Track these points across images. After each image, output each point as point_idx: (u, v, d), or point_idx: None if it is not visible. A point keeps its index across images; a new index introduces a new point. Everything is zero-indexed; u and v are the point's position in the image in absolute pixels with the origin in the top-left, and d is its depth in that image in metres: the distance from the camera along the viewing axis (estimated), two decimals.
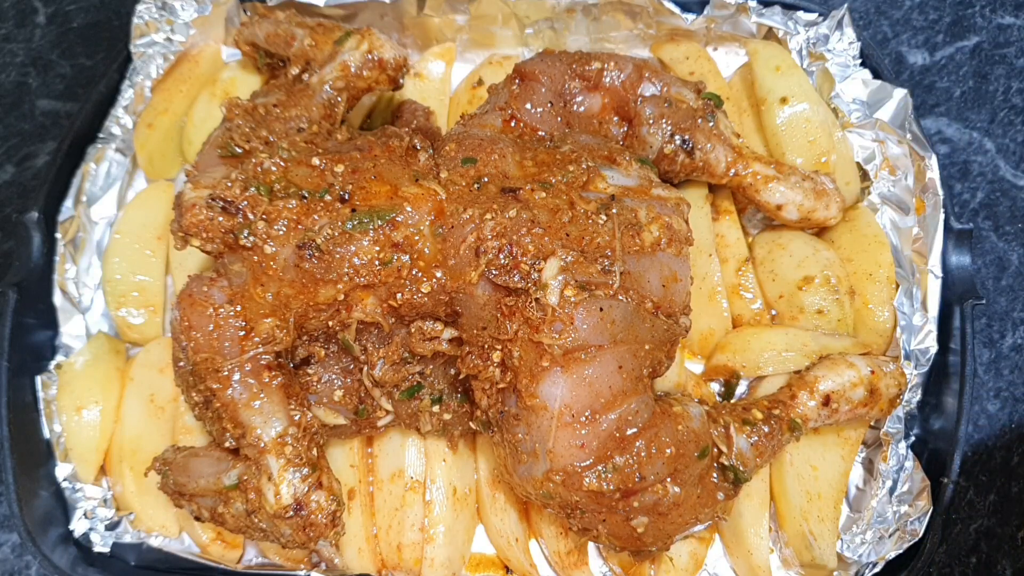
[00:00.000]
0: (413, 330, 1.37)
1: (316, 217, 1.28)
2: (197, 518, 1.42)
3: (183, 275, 1.60)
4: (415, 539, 1.52)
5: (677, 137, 1.53)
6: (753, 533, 1.51)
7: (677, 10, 1.77)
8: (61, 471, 1.61)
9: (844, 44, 1.73)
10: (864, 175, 1.69)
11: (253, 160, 1.34)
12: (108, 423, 1.61)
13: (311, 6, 1.78)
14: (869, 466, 1.58)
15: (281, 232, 1.28)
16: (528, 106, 1.51)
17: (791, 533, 1.51)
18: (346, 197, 1.30)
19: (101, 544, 1.60)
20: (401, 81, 1.61)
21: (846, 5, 1.72)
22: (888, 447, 1.55)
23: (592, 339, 1.25)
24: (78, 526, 1.61)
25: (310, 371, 1.41)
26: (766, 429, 1.42)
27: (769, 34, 1.78)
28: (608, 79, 1.53)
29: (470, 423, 1.45)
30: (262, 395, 1.31)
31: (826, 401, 1.48)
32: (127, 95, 1.80)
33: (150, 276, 1.71)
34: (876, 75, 1.71)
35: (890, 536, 1.50)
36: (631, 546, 1.34)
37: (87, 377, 1.62)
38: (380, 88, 1.59)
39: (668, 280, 1.34)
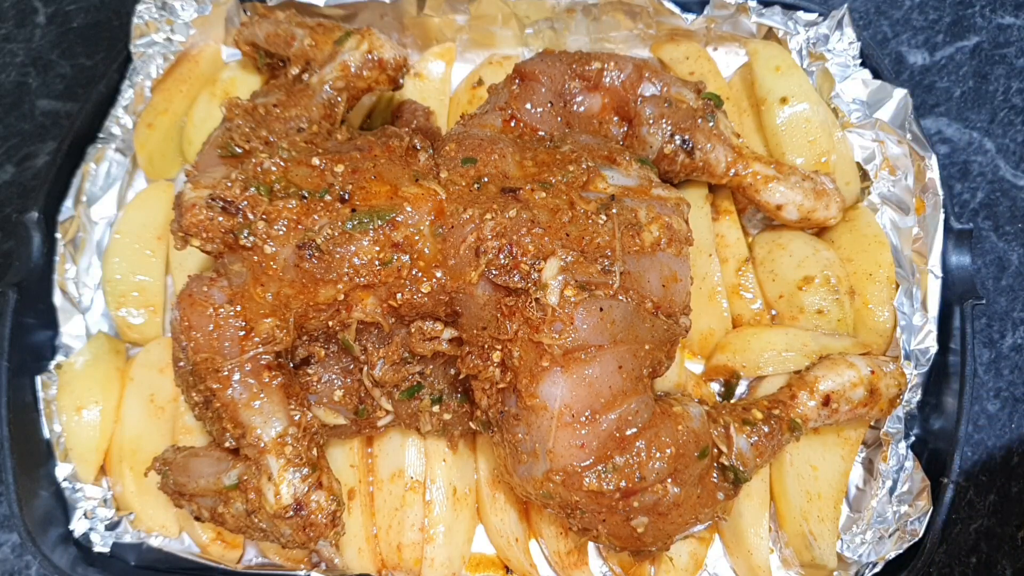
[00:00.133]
0: (413, 330, 1.37)
1: (316, 217, 1.28)
2: (197, 518, 1.42)
3: (183, 275, 1.60)
4: (415, 539, 1.52)
5: (677, 137, 1.53)
6: (753, 533, 1.51)
7: (677, 10, 1.77)
8: (61, 471, 1.61)
9: (844, 44, 1.73)
10: (864, 175, 1.69)
11: (253, 160, 1.34)
12: (108, 423, 1.61)
13: (311, 6, 1.78)
14: (869, 466, 1.58)
15: (281, 232, 1.28)
16: (528, 106, 1.51)
17: (791, 533, 1.51)
18: (346, 197, 1.30)
19: (101, 544, 1.60)
20: (401, 81, 1.61)
21: (846, 5, 1.72)
22: (888, 447, 1.55)
23: (592, 339, 1.25)
24: (78, 526, 1.61)
25: (310, 371, 1.41)
26: (766, 429, 1.42)
27: (769, 34, 1.78)
28: (608, 79, 1.53)
29: (470, 423, 1.45)
30: (262, 395, 1.31)
31: (826, 401, 1.48)
32: (127, 95, 1.80)
33: (150, 276, 1.71)
34: (876, 75, 1.71)
35: (890, 536, 1.50)
36: (631, 546, 1.34)
37: (87, 377, 1.62)
38: (380, 88, 1.59)
39: (668, 280, 1.34)
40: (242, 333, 1.30)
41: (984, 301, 1.56)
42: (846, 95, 1.70)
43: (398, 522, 1.53)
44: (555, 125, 1.52)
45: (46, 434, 1.62)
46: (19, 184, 1.99)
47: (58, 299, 1.71)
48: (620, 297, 1.27)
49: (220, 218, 1.29)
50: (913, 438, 1.58)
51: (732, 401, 1.62)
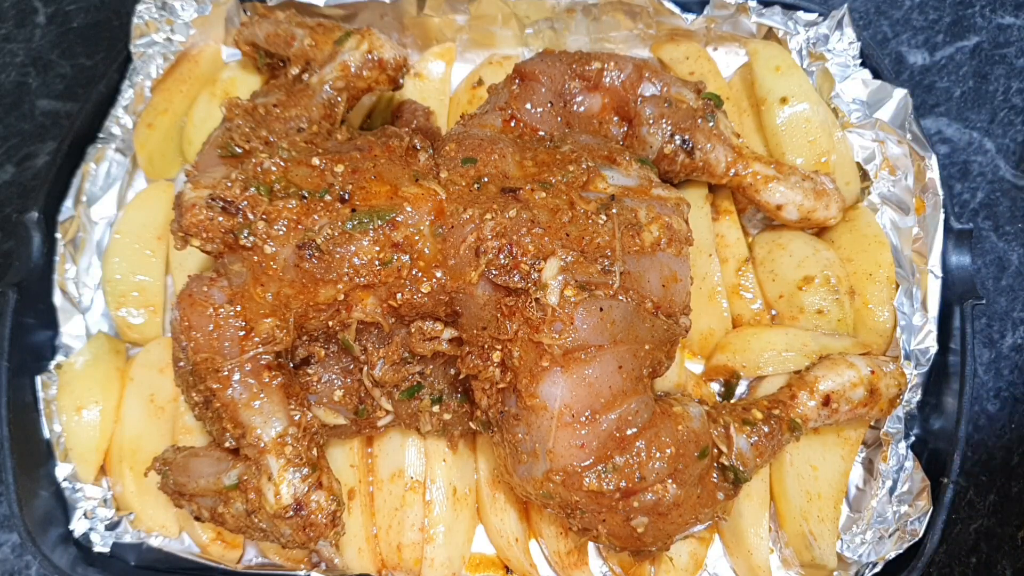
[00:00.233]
0: (413, 330, 1.37)
1: (316, 217, 1.28)
2: (197, 518, 1.42)
3: (183, 275, 1.60)
4: (415, 539, 1.52)
5: (677, 137, 1.53)
6: (753, 533, 1.51)
7: (677, 10, 1.77)
8: (61, 471, 1.61)
9: (844, 44, 1.73)
10: (864, 175, 1.69)
11: (253, 160, 1.34)
12: (108, 423, 1.61)
13: (311, 6, 1.78)
14: (869, 466, 1.58)
15: (281, 232, 1.28)
16: (528, 106, 1.51)
17: (791, 533, 1.51)
18: (346, 197, 1.30)
19: (101, 544, 1.60)
20: (401, 81, 1.61)
21: (846, 5, 1.72)
22: (888, 447, 1.55)
23: (592, 339, 1.25)
24: (78, 526, 1.61)
25: (310, 371, 1.41)
26: (766, 429, 1.42)
27: (769, 34, 1.78)
28: (608, 79, 1.53)
29: (470, 423, 1.45)
30: (262, 395, 1.31)
31: (826, 401, 1.48)
32: (127, 95, 1.80)
33: (150, 276, 1.71)
34: (876, 75, 1.71)
35: (890, 536, 1.50)
36: (631, 546, 1.34)
37: (87, 377, 1.62)
38: (380, 88, 1.58)
39: (668, 280, 1.34)
40: (242, 333, 1.30)
41: (984, 301, 1.56)
42: (846, 95, 1.70)
43: (398, 522, 1.53)
44: (555, 125, 1.52)
45: (46, 434, 1.62)
46: (19, 184, 1.99)
47: (58, 299, 1.71)
48: (620, 297, 1.27)
49: (220, 218, 1.29)
50: (913, 438, 1.58)
51: (732, 401, 1.62)
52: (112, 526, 1.62)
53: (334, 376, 1.42)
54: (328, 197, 1.30)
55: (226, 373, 1.30)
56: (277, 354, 1.33)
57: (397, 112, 1.76)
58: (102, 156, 1.77)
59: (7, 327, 1.57)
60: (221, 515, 1.36)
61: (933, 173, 1.60)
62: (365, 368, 1.40)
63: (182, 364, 1.35)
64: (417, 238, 1.30)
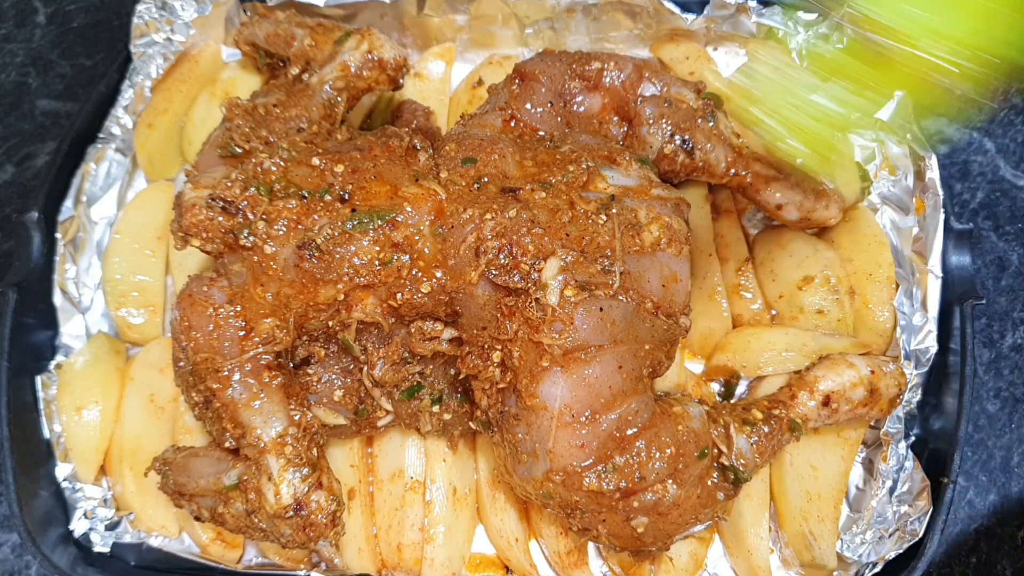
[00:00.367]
0: (413, 330, 1.37)
1: (316, 217, 1.28)
2: (197, 518, 1.42)
3: (183, 275, 1.60)
4: (415, 539, 1.52)
5: (677, 137, 1.53)
6: (753, 533, 1.51)
7: (677, 10, 1.77)
8: (61, 471, 1.61)
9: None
10: (864, 175, 1.69)
11: (253, 160, 1.34)
12: (108, 423, 1.61)
13: (311, 6, 1.78)
14: (869, 466, 1.58)
15: (281, 232, 1.28)
16: (528, 106, 1.51)
17: (791, 533, 1.52)
18: (346, 197, 1.30)
19: (101, 544, 1.60)
20: (401, 81, 1.61)
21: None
22: (888, 447, 1.55)
23: (592, 339, 1.25)
24: (78, 526, 1.61)
25: (310, 371, 1.41)
26: (766, 429, 1.42)
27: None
28: (608, 79, 1.53)
29: (470, 423, 1.45)
30: (262, 395, 1.31)
31: (826, 401, 1.48)
32: (127, 95, 1.80)
33: (150, 276, 1.71)
34: None
35: (890, 536, 1.50)
36: (631, 546, 1.34)
37: (87, 377, 1.62)
38: (380, 88, 1.58)
39: (668, 280, 1.34)
40: (242, 333, 1.30)
41: (984, 301, 1.56)
42: None
43: (398, 522, 1.53)
44: (555, 125, 1.52)
45: (46, 434, 1.62)
46: (19, 184, 1.99)
47: (58, 299, 1.71)
48: (620, 297, 1.27)
49: (220, 218, 1.29)
50: (913, 438, 1.58)
51: (732, 401, 1.62)
52: (112, 526, 1.62)
53: (334, 376, 1.42)
54: (328, 197, 1.30)
55: (226, 373, 1.30)
56: (277, 354, 1.33)
57: (397, 112, 1.76)
58: (102, 156, 1.77)
59: (7, 327, 1.57)
60: (221, 515, 1.36)
61: (933, 173, 1.60)
62: (365, 368, 1.40)
63: (182, 364, 1.35)
64: (417, 238, 1.30)
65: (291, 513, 1.29)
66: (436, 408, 1.44)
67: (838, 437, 1.57)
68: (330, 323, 1.34)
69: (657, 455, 1.27)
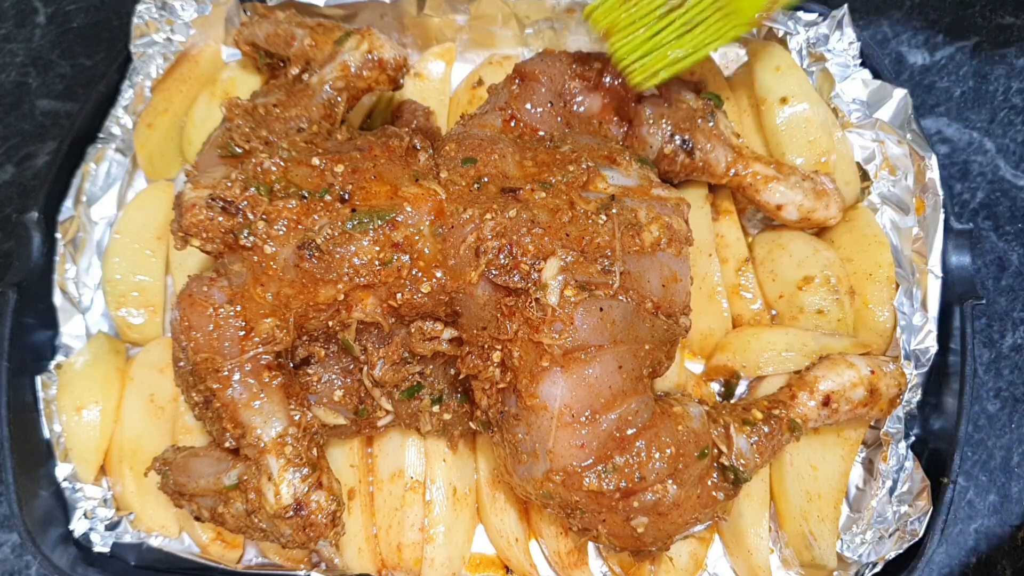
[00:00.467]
0: (413, 330, 1.37)
1: (316, 217, 1.28)
2: (197, 518, 1.42)
3: (183, 275, 1.60)
4: (415, 539, 1.52)
5: (677, 137, 1.53)
6: (753, 533, 1.51)
7: None
8: (61, 471, 1.61)
9: (844, 44, 1.73)
10: (864, 175, 1.69)
11: (253, 160, 1.34)
12: (108, 423, 1.61)
13: (311, 6, 1.78)
14: (869, 466, 1.58)
15: (281, 232, 1.28)
16: (528, 106, 1.51)
17: (791, 533, 1.52)
18: (346, 197, 1.30)
19: (101, 544, 1.60)
20: (401, 81, 1.61)
21: (846, 5, 1.72)
22: (888, 447, 1.55)
23: (592, 339, 1.25)
24: (78, 526, 1.61)
25: (310, 371, 1.41)
26: (766, 429, 1.42)
27: (769, 34, 1.78)
28: (608, 79, 1.53)
29: (470, 423, 1.45)
30: (262, 395, 1.31)
31: (826, 401, 1.48)
32: (127, 95, 1.80)
33: (150, 276, 1.71)
34: (876, 75, 1.71)
35: (890, 536, 1.50)
36: (631, 546, 1.34)
37: (87, 377, 1.62)
38: (380, 88, 1.58)
39: (668, 280, 1.34)
40: (242, 333, 1.30)
41: (984, 301, 1.56)
42: (846, 95, 1.70)
43: (398, 522, 1.53)
44: (555, 125, 1.52)
45: (46, 434, 1.62)
46: (19, 184, 1.99)
47: (58, 299, 1.71)
48: (620, 297, 1.27)
49: (220, 218, 1.29)
50: (913, 438, 1.58)
51: (732, 401, 1.62)
52: (112, 526, 1.62)
53: (334, 376, 1.42)
54: (328, 197, 1.30)
55: (226, 373, 1.30)
56: (277, 354, 1.33)
57: (397, 112, 1.76)
58: (102, 156, 1.77)
59: (7, 327, 1.57)
60: (221, 515, 1.36)
61: (933, 173, 1.60)
62: (365, 368, 1.40)
63: (182, 364, 1.35)
64: (417, 238, 1.30)
65: (291, 513, 1.29)
66: (436, 408, 1.44)
67: (838, 437, 1.57)
68: (330, 323, 1.34)
69: (657, 455, 1.27)
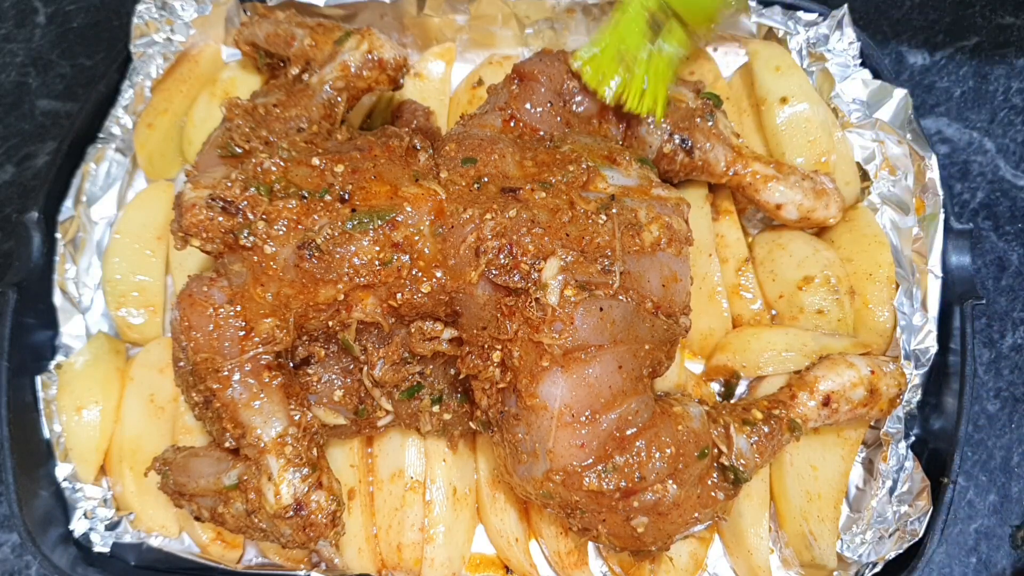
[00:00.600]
0: (413, 330, 1.37)
1: (316, 217, 1.28)
2: (197, 518, 1.42)
3: (183, 275, 1.60)
4: (415, 539, 1.52)
5: (676, 136, 1.53)
6: (753, 533, 1.51)
7: None
8: (61, 471, 1.61)
9: (844, 44, 1.73)
10: (864, 175, 1.69)
11: (253, 160, 1.34)
12: (108, 423, 1.61)
13: (311, 6, 1.78)
14: (869, 466, 1.58)
15: (281, 232, 1.28)
16: (528, 106, 1.50)
17: (791, 533, 1.51)
18: (346, 197, 1.30)
19: (101, 544, 1.60)
20: (401, 81, 1.61)
21: (846, 5, 1.72)
22: (888, 447, 1.55)
23: (592, 339, 1.25)
24: (78, 526, 1.61)
25: (310, 371, 1.41)
26: (766, 429, 1.42)
27: (769, 34, 1.78)
28: None
29: (470, 423, 1.45)
30: (262, 395, 1.31)
31: (826, 401, 1.48)
32: (127, 95, 1.80)
33: (150, 276, 1.71)
34: (876, 75, 1.71)
35: (890, 536, 1.50)
36: (631, 546, 1.34)
37: (87, 377, 1.62)
38: (380, 88, 1.58)
39: (668, 280, 1.34)
40: (242, 333, 1.30)
41: (984, 301, 1.56)
42: (846, 95, 1.70)
43: (398, 522, 1.53)
44: (555, 125, 1.52)
45: (46, 434, 1.62)
46: (19, 184, 1.99)
47: (58, 299, 1.71)
48: (620, 297, 1.27)
49: (220, 218, 1.29)
50: (913, 438, 1.58)
51: (732, 401, 1.62)
52: (112, 526, 1.62)
53: (334, 376, 1.42)
54: (328, 197, 1.30)
55: (226, 373, 1.30)
56: (277, 354, 1.33)
57: (397, 112, 1.76)
58: (102, 156, 1.77)
59: (7, 327, 1.57)
60: (221, 515, 1.36)
61: (933, 173, 1.60)
62: (365, 368, 1.40)
63: (182, 364, 1.35)
64: (417, 238, 1.30)
65: (291, 513, 1.29)
66: (436, 408, 1.44)
67: (838, 437, 1.57)
68: (330, 323, 1.34)
69: (657, 455, 1.27)
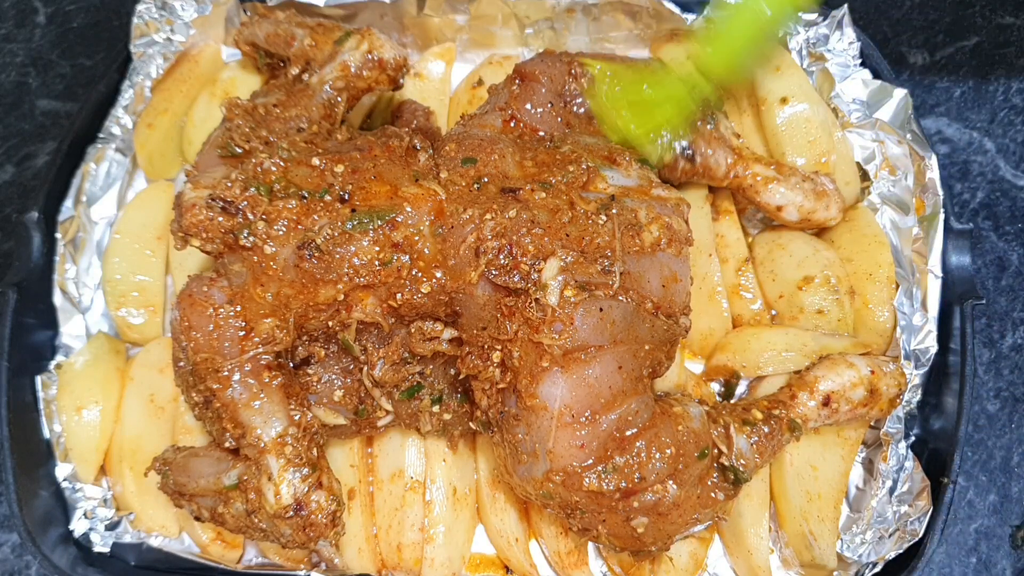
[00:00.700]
0: (413, 330, 1.37)
1: (316, 217, 1.28)
2: (197, 518, 1.42)
3: (183, 275, 1.60)
4: (415, 539, 1.52)
5: (677, 145, 1.53)
6: (753, 533, 1.51)
7: (677, 10, 1.76)
8: (61, 471, 1.61)
9: (844, 44, 1.73)
10: (864, 175, 1.69)
11: (253, 160, 1.34)
12: (108, 423, 1.61)
13: (311, 6, 1.78)
14: (869, 466, 1.58)
15: (281, 232, 1.28)
16: (528, 106, 1.50)
17: (791, 533, 1.51)
18: (346, 197, 1.30)
19: (101, 544, 1.60)
20: (401, 81, 1.61)
21: (846, 5, 1.72)
22: (888, 447, 1.55)
23: (592, 339, 1.25)
24: (78, 526, 1.61)
25: (310, 371, 1.41)
26: (766, 429, 1.42)
27: None
28: None
29: (470, 423, 1.45)
30: (262, 395, 1.31)
31: (826, 401, 1.48)
32: (127, 95, 1.80)
33: (150, 276, 1.71)
34: (876, 75, 1.71)
35: (890, 536, 1.50)
36: (631, 546, 1.34)
37: (87, 377, 1.62)
38: (380, 88, 1.58)
39: (668, 280, 1.34)
40: (242, 333, 1.30)
41: (984, 301, 1.56)
42: (846, 95, 1.70)
43: (398, 522, 1.53)
44: (555, 125, 1.52)
45: (46, 434, 1.62)
46: (19, 184, 1.99)
47: (58, 299, 1.71)
48: (620, 297, 1.27)
49: (220, 218, 1.29)
50: (913, 438, 1.58)
51: (732, 401, 1.62)
52: (112, 526, 1.62)
53: (334, 376, 1.42)
54: (328, 197, 1.30)
55: (226, 373, 1.30)
56: (277, 354, 1.33)
57: (397, 112, 1.76)
58: (102, 156, 1.77)
59: (7, 327, 1.57)
60: (221, 515, 1.36)
61: (933, 173, 1.60)
62: (365, 368, 1.40)
63: (182, 364, 1.35)
64: (417, 238, 1.30)
65: (291, 513, 1.29)
66: (436, 408, 1.44)
67: (838, 437, 1.57)
68: (330, 323, 1.34)
69: (657, 455, 1.27)
